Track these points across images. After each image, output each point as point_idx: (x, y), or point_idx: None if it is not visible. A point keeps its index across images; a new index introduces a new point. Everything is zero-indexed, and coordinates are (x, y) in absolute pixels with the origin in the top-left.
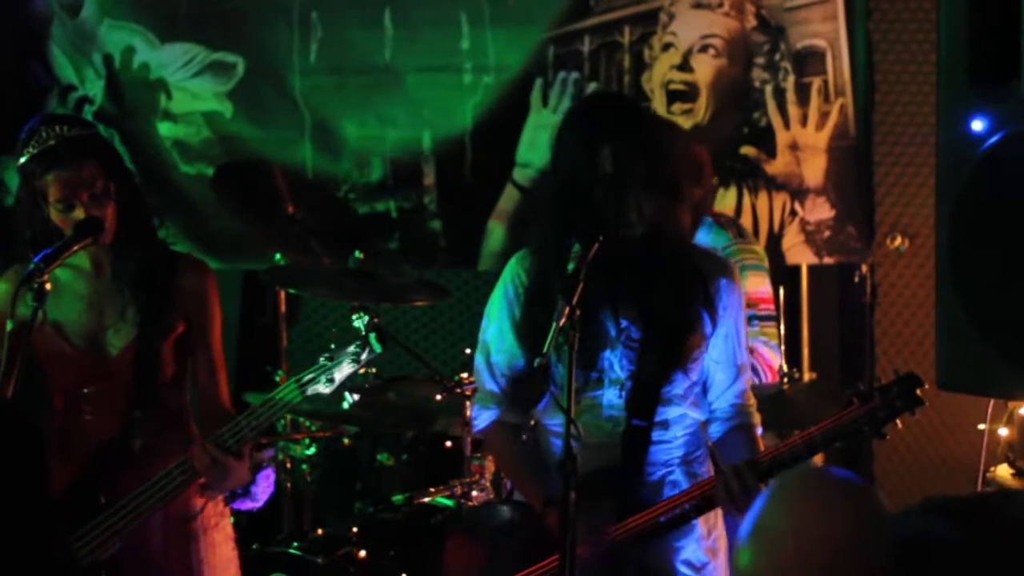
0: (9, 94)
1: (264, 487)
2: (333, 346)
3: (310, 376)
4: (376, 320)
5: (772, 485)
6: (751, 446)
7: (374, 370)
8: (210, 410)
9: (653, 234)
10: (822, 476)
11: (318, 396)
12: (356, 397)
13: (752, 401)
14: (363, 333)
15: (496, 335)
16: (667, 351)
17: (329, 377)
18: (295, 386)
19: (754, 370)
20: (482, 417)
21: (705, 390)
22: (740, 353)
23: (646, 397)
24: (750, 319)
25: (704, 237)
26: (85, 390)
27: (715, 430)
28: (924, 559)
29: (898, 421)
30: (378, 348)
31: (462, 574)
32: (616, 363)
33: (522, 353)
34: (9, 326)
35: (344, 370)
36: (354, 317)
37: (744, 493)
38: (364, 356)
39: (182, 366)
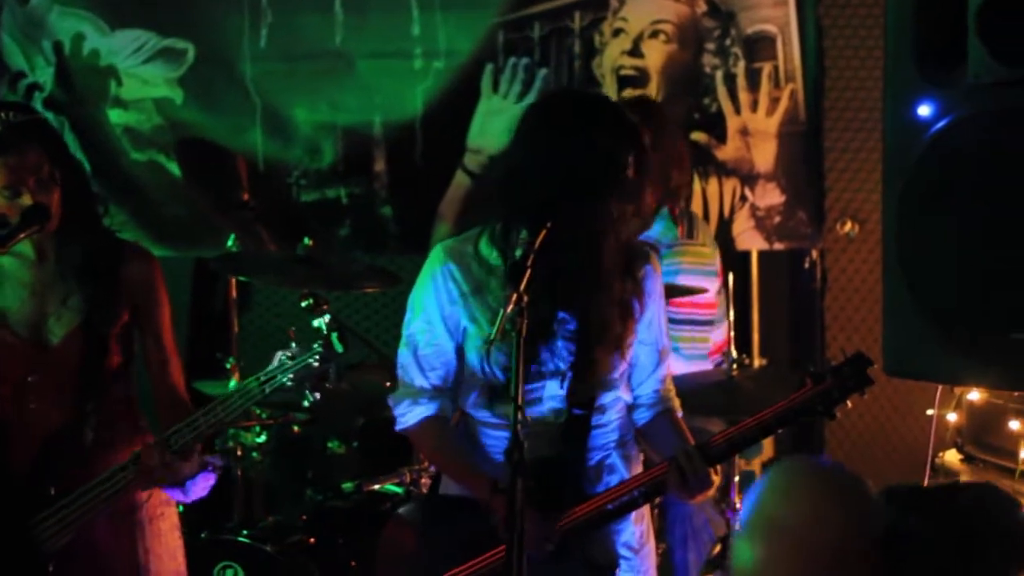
0: None
1: (200, 488)
2: (294, 344)
3: (272, 374)
4: (328, 312)
5: (769, 478)
6: (678, 430)
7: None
8: (164, 399)
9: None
10: (820, 467)
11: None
12: (317, 396)
13: (672, 386)
14: (324, 333)
15: (424, 327)
16: (603, 341)
17: (290, 377)
18: (256, 384)
19: None
20: (412, 413)
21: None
22: (662, 338)
23: (586, 387)
24: (678, 321)
25: (655, 227)
26: (30, 379)
27: (640, 416)
28: (900, 550)
29: (848, 402)
30: (340, 348)
31: (394, 564)
32: (555, 355)
33: (457, 345)
34: None
35: (307, 369)
36: (316, 319)
37: (696, 478)
38: (327, 356)
39: (128, 356)
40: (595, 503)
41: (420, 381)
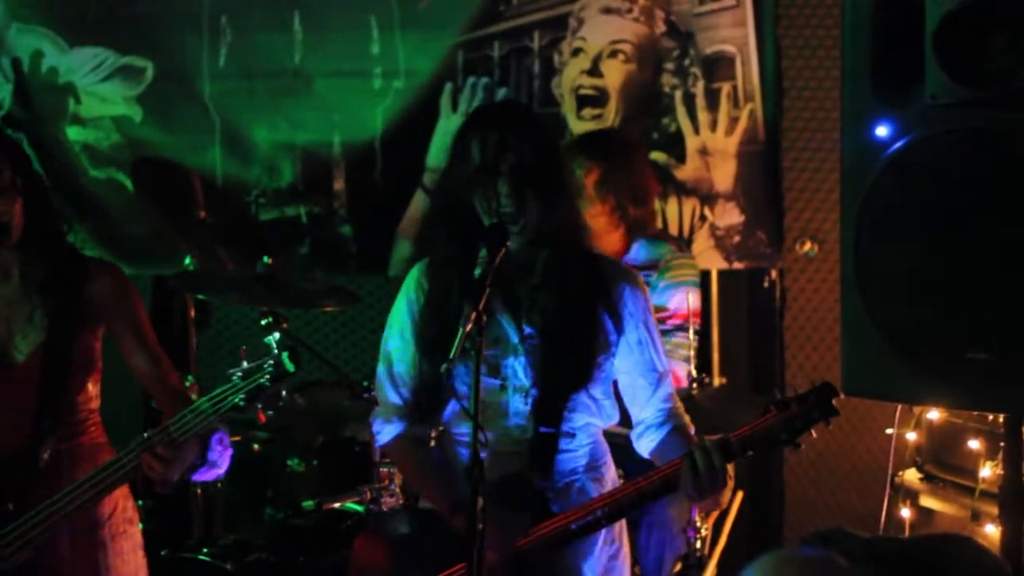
0: None
1: (219, 450)
2: (245, 363)
3: (222, 395)
4: (285, 331)
5: (755, 568)
6: (691, 442)
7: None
8: (168, 402)
9: (545, 241)
10: (806, 561)
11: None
12: (271, 413)
13: (679, 404)
14: (275, 351)
15: (399, 346)
16: (569, 358)
17: (242, 397)
18: (208, 405)
19: None
20: (385, 431)
21: (626, 402)
22: (658, 359)
23: (552, 404)
24: (673, 330)
25: (641, 252)
26: None
27: (650, 438)
28: None
29: (812, 431)
30: (291, 367)
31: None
32: (520, 370)
33: (425, 361)
34: None
35: (259, 390)
36: (268, 337)
37: (710, 474)
38: (278, 375)
39: (90, 372)
40: (558, 522)
41: (393, 397)
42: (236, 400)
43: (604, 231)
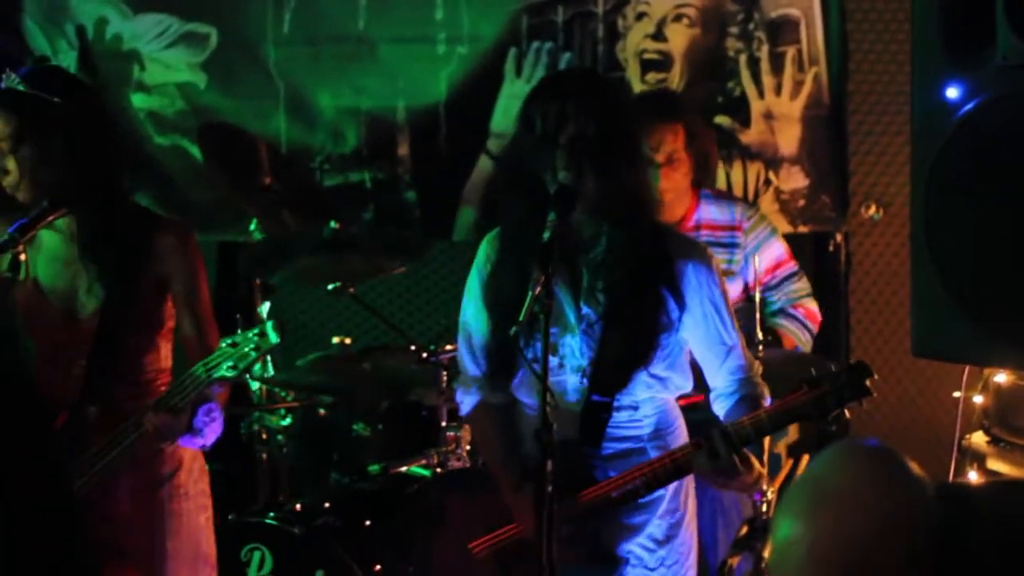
0: None
1: (205, 420)
2: (239, 331)
3: (215, 361)
4: (353, 295)
5: (821, 455)
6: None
7: (348, 340)
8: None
9: (608, 216)
10: (876, 453)
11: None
12: (258, 386)
13: (756, 371)
14: (263, 321)
15: (473, 315)
16: (627, 338)
17: (231, 364)
18: (202, 369)
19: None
20: (465, 401)
21: (691, 369)
22: (725, 333)
23: (607, 382)
24: (789, 276)
25: (713, 211)
26: (65, 350)
27: (720, 407)
28: (951, 552)
29: (846, 411)
30: (274, 339)
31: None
32: (576, 349)
33: (497, 328)
34: None
35: (244, 358)
36: (260, 306)
37: (716, 463)
38: (262, 345)
39: (157, 331)
40: (600, 490)
41: (471, 367)
42: (224, 368)
43: (684, 192)
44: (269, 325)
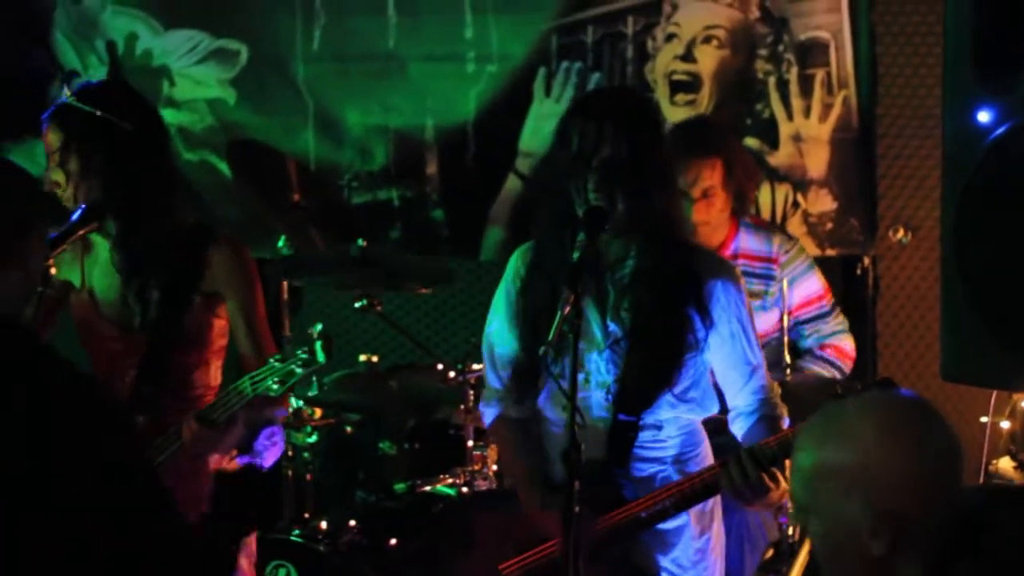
0: (12, 81)
1: (266, 444)
2: (286, 348)
3: (261, 376)
4: (380, 313)
5: (868, 396)
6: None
7: (375, 358)
8: None
9: (639, 233)
10: (928, 413)
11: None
12: (300, 403)
13: (776, 393)
14: (312, 340)
15: (499, 330)
16: (653, 357)
17: (277, 380)
18: (248, 383)
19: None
20: (487, 414)
21: (716, 390)
22: (751, 352)
23: (632, 400)
24: (823, 314)
25: (751, 241)
26: (112, 360)
27: (739, 426)
28: (980, 532)
29: None
30: (322, 358)
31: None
32: (603, 366)
33: (523, 345)
34: None
35: (290, 375)
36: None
37: (746, 482)
38: (309, 364)
39: (207, 348)
40: (629, 510)
41: (494, 381)
42: (270, 382)
43: (723, 223)
44: (318, 344)
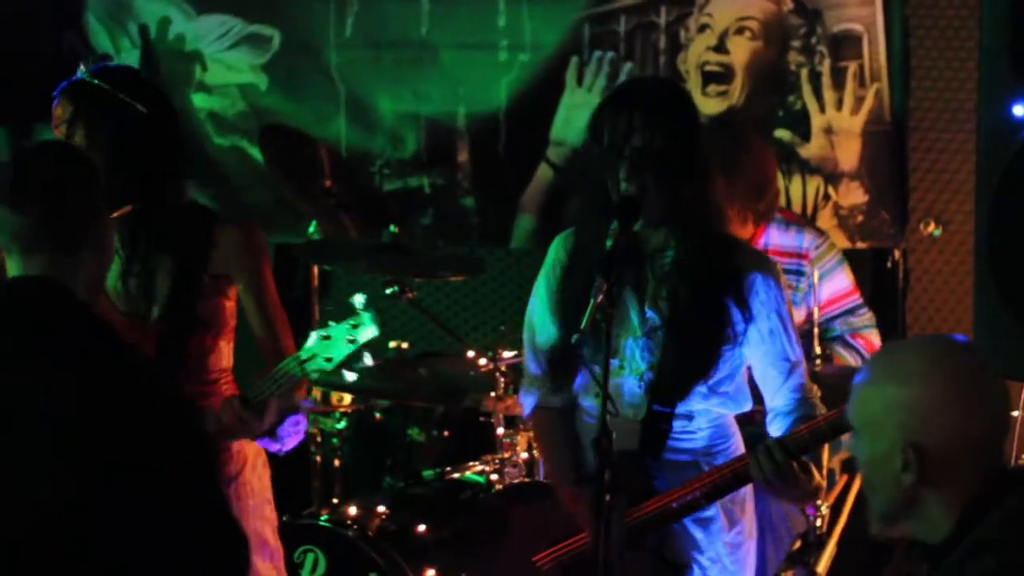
0: (44, 64)
1: (290, 431)
2: (331, 323)
3: (309, 354)
4: (411, 300)
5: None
6: None
7: (405, 345)
8: (274, 361)
9: (677, 223)
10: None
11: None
12: (353, 377)
13: (815, 392)
14: (359, 312)
15: (539, 317)
16: (689, 347)
17: (327, 358)
18: (295, 364)
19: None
20: (526, 403)
21: (752, 386)
22: (790, 349)
23: (667, 389)
24: (852, 310)
25: (780, 237)
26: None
27: (777, 426)
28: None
29: None
30: (373, 329)
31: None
32: (638, 353)
33: (559, 332)
34: None
35: (342, 349)
36: (353, 298)
37: (776, 471)
38: (360, 337)
39: (220, 332)
40: (661, 500)
41: (533, 368)
42: (320, 360)
43: (736, 228)
44: (367, 316)
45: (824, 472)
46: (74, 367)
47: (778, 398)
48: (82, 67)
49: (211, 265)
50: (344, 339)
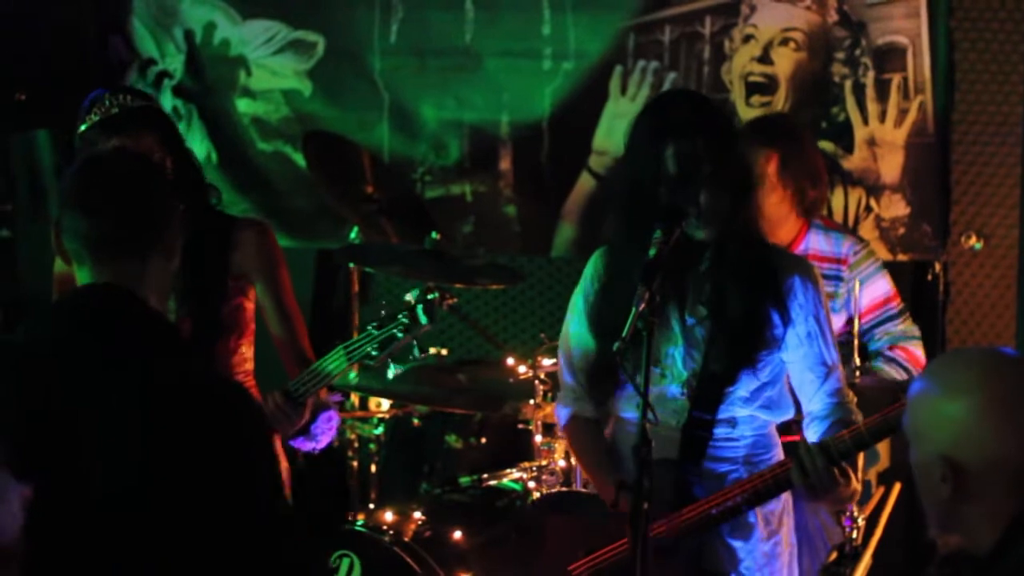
0: (90, 68)
1: (324, 428)
2: (383, 314)
3: (357, 344)
4: (430, 296)
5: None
6: None
7: (444, 351)
8: (295, 364)
9: (721, 232)
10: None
11: (376, 369)
12: (399, 370)
13: (851, 398)
14: (412, 304)
15: (576, 328)
16: (731, 352)
17: (375, 346)
18: (343, 352)
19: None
20: (562, 414)
21: (791, 392)
22: (827, 353)
23: (709, 396)
24: (892, 317)
25: (821, 242)
26: None
27: (814, 431)
28: None
29: None
30: (425, 320)
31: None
32: (679, 360)
33: (597, 342)
34: None
35: (391, 340)
36: (407, 293)
37: (816, 475)
38: (411, 328)
39: (242, 334)
40: (700, 507)
41: (570, 380)
42: (369, 349)
43: (783, 218)
44: (419, 308)
45: (860, 482)
46: (143, 376)
47: (815, 402)
48: (122, 98)
49: (230, 265)
50: (396, 329)
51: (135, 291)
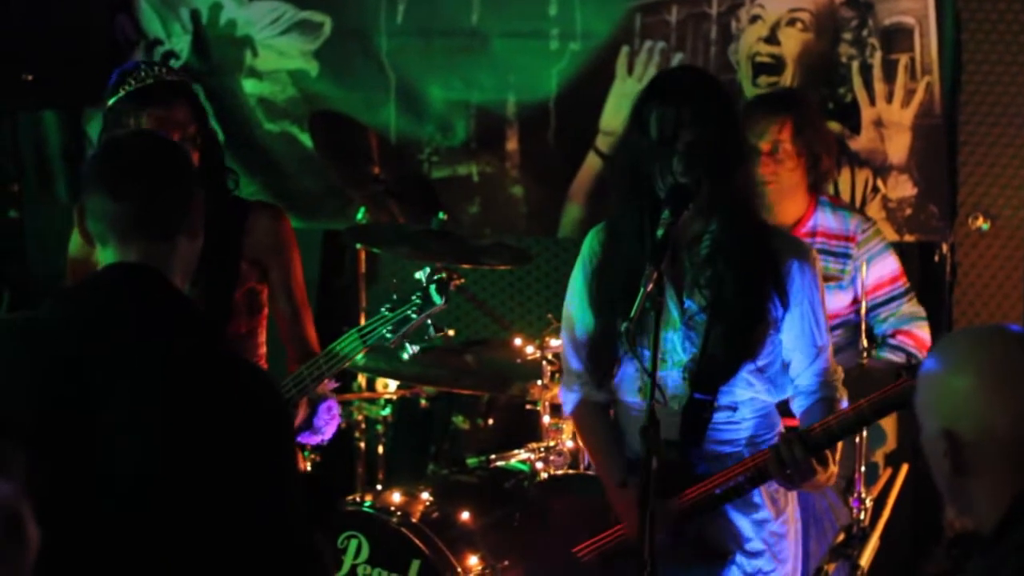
0: (96, 49)
1: (326, 419)
2: (395, 296)
3: (372, 327)
4: (441, 275)
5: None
6: (825, 416)
7: (452, 332)
8: (297, 352)
9: (710, 208)
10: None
11: (385, 351)
12: (415, 349)
13: (838, 376)
14: (424, 285)
15: (577, 311)
16: (730, 336)
17: (389, 328)
18: (356, 336)
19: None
20: (568, 400)
21: (785, 369)
22: (819, 334)
23: (709, 376)
24: (898, 296)
25: (830, 219)
26: None
27: (799, 404)
28: None
29: None
30: (438, 300)
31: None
32: (679, 345)
33: (600, 323)
34: None
35: (405, 321)
36: (418, 272)
37: (794, 465)
38: (425, 308)
39: (255, 317)
40: (704, 487)
41: (575, 364)
42: (384, 332)
43: (794, 188)
44: (432, 288)
45: (864, 465)
46: (168, 355)
47: (802, 378)
48: (156, 69)
49: (245, 249)
50: (410, 310)
51: (164, 272)
